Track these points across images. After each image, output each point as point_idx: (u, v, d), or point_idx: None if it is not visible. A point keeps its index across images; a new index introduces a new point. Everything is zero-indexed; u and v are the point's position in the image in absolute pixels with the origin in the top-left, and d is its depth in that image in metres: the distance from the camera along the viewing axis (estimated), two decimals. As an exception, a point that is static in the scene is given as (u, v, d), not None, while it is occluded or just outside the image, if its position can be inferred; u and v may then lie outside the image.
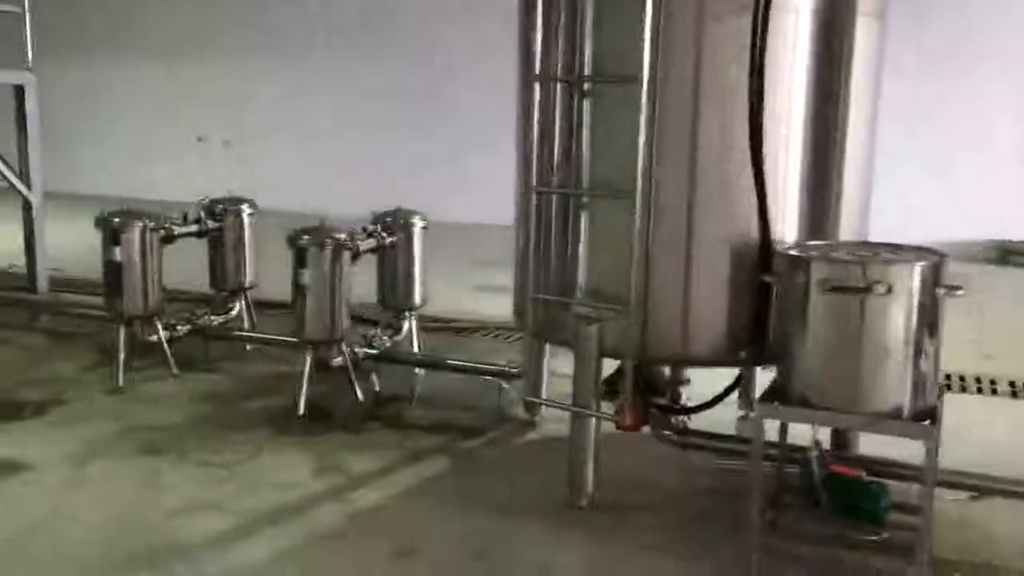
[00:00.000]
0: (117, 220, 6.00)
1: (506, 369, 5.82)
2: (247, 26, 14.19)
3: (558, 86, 4.39)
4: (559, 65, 4.37)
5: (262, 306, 7.27)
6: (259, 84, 14.30)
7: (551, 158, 4.48)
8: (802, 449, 4.15)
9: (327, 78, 13.94)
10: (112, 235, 5.99)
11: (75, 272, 8.93)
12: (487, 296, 8.78)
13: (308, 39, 13.96)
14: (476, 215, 12.16)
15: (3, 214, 12.45)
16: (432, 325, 7.34)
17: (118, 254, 5.98)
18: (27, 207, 8.49)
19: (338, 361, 5.77)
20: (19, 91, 8.23)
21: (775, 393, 3.90)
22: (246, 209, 6.82)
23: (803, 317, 3.75)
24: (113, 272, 6.05)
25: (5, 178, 8.29)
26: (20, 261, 8.73)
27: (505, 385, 5.81)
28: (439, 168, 13.51)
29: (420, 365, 6.16)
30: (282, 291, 7.35)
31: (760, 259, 4.19)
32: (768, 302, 4.15)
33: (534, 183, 4.54)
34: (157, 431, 5.32)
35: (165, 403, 5.80)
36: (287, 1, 13.95)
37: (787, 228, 4.27)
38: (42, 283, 8.55)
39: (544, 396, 5.38)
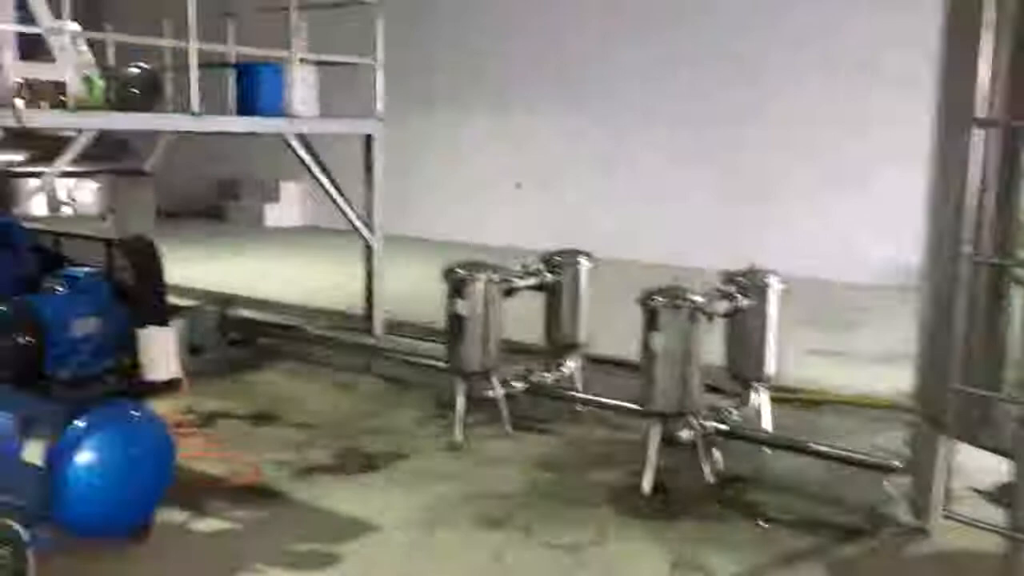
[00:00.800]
0: (462, 273, 5.86)
1: (887, 461, 4.97)
2: (570, 78, 14.23)
3: (993, 131, 3.59)
4: (1002, 106, 3.57)
5: (595, 362, 6.89)
6: (578, 132, 14.27)
7: (981, 218, 3.67)
8: None
9: (649, 125, 13.65)
10: (457, 288, 5.86)
11: (405, 315, 9.09)
12: (824, 362, 7.89)
13: (627, 86, 13.75)
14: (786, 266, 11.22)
15: (338, 254, 13.31)
16: (774, 396, 6.58)
17: (462, 307, 5.84)
18: (368, 250, 8.79)
19: (687, 435, 5.21)
20: (368, 140, 8.56)
21: None
22: (584, 262, 6.48)
23: None
24: (456, 325, 5.91)
25: (349, 221, 8.63)
26: (355, 302, 9.07)
27: (885, 482, 4.96)
28: (751, 213, 12.70)
29: (779, 447, 5.45)
30: (616, 347, 7.02)
31: None
32: None
33: (958, 247, 3.74)
34: (497, 499, 5.03)
35: (502, 466, 5.52)
36: (600, 54, 13.80)
37: None
38: (378, 327, 8.80)
39: (943, 499, 4.48)
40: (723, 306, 5.45)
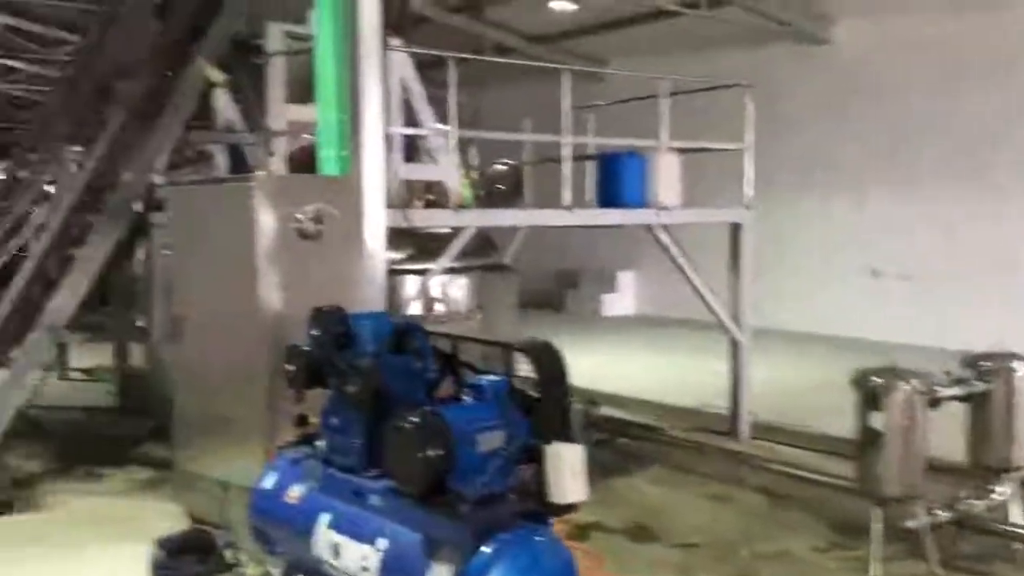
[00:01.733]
0: (879, 381, 5.04)
1: None
2: (928, 158, 12.86)
3: None
4: None
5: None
6: (949, 219, 12.73)
7: None
8: None
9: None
10: (872, 398, 5.05)
11: (767, 416, 8.27)
12: None
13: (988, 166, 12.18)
14: None
15: (675, 344, 12.77)
16: None
17: (878, 420, 5.01)
18: (734, 346, 8.14)
19: None
20: (735, 228, 8.01)
21: None
22: (1022, 368, 5.40)
23: None
24: (870, 440, 5.08)
25: (714, 314, 8.04)
26: (705, 399, 8.43)
27: None
28: None
29: None
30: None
31: None
32: None
33: None
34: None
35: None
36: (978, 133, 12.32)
37: None
38: (744, 429, 8.07)
39: None
40: None
